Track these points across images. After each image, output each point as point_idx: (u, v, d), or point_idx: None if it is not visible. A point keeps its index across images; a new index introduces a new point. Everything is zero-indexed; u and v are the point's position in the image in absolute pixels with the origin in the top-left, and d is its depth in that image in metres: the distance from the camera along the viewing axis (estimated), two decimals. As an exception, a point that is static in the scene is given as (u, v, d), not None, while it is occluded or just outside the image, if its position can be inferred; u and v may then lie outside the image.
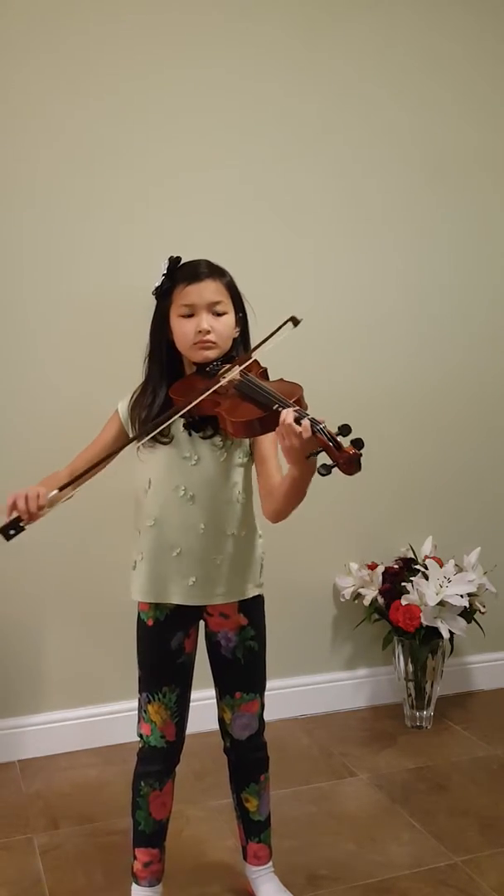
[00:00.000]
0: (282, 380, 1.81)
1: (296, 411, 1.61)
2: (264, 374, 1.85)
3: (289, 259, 2.87)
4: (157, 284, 1.86)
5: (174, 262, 1.86)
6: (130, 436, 1.87)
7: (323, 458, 1.57)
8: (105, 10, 2.64)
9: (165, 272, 1.85)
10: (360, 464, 1.56)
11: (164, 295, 1.85)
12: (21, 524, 1.67)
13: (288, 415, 1.61)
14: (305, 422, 1.59)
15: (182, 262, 1.86)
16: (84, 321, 2.68)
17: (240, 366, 1.77)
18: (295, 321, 1.79)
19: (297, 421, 1.59)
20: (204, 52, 2.74)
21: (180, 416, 1.79)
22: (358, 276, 2.99)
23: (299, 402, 1.68)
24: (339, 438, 1.57)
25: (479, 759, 2.72)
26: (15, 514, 1.67)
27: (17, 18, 2.56)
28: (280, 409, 1.63)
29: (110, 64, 2.65)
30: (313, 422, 1.59)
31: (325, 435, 1.57)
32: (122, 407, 1.91)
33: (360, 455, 1.56)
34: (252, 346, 1.92)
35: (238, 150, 2.80)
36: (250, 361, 1.81)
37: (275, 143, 2.84)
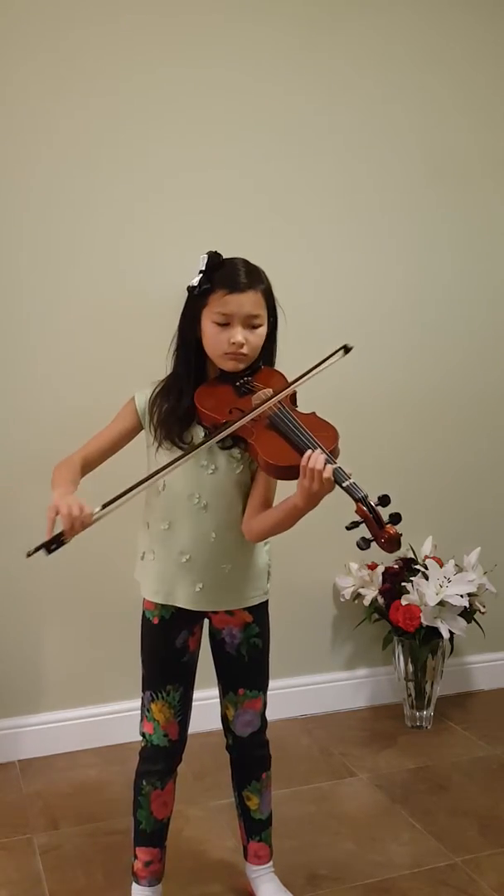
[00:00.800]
0: (314, 414, 1.77)
1: (337, 470, 1.59)
2: (293, 398, 1.82)
3: (289, 259, 2.86)
4: (195, 283, 1.79)
5: (214, 259, 1.79)
6: (145, 427, 1.85)
7: (362, 531, 1.54)
8: (105, 9, 2.63)
9: (204, 269, 1.79)
10: (400, 543, 1.54)
11: (200, 295, 1.79)
12: (63, 539, 1.62)
13: (318, 461, 1.59)
14: (329, 468, 1.58)
15: (222, 260, 1.80)
16: (83, 322, 2.67)
17: (277, 395, 1.72)
18: (346, 349, 1.77)
19: (338, 481, 1.58)
20: (204, 52, 2.74)
21: (201, 425, 1.79)
22: (358, 275, 2.99)
23: (334, 452, 1.66)
24: (379, 509, 1.54)
25: (479, 759, 2.72)
26: (59, 530, 1.62)
27: (16, 18, 2.56)
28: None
29: (110, 64, 2.65)
30: (354, 488, 1.57)
31: (368, 507, 1.55)
32: (141, 398, 1.87)
33: (401, 535, 1.53)
34: (275, 351, 1.89)
35: (238, 150, 2.80)
36: (288, 392, 1.75)
37: (275, 142, 2.84)
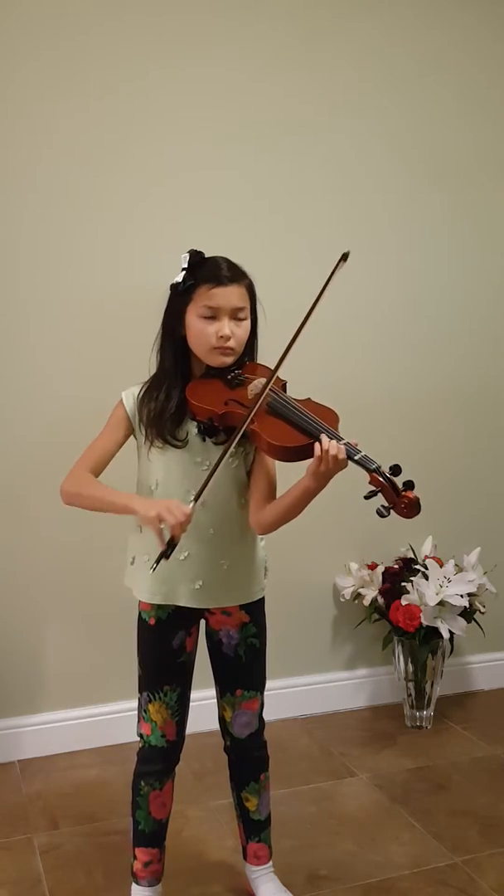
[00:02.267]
0: (309, 400, 1.80)
1: (347, 446, 1.62)
2: (283, 387, 1.83)
3: (289, 259, 2.87)
4: (179, 280, 1.81)
5: (197, 257, 1.81)
6: (135, 429, 1.85)
7: (379, 500, 1.58)
8: (105, 10, 2.63)
9: (187, 267, 1.81)
10: (419, 507, 1.57)
11: (184, 291, 1.80)
12: (175, 543, 1.64)
13: (333, 446, 1.62)
14: (342, 448, 1.61)
15: (204, 257, 1.82)
16: (83, 322, 2.67)
17: (270, 380, 1.72)
18: (345, 257, 1.77)
19: (351, 457, 1.61)
20: (204, 53, 2.74)
21: (195, 420, 1.80)
22: (358, 276, 2.97)
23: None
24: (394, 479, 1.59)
25: (479, 759, 2.72)
26: (170, 535, 1.64)
27: (16, 18, 2.56)
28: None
29: (110, 64, 2.65)
30: (367, 459, 1.60)
31: (383, 477, 1.59)
32: (129, 400, 1.87)
33: (419, 499, 1.57)
34: (257, 347, 1.90)
35: (238, 150, 2.80)
36: (276, 374, 1.75)
37: (275, 142, 2.84)
